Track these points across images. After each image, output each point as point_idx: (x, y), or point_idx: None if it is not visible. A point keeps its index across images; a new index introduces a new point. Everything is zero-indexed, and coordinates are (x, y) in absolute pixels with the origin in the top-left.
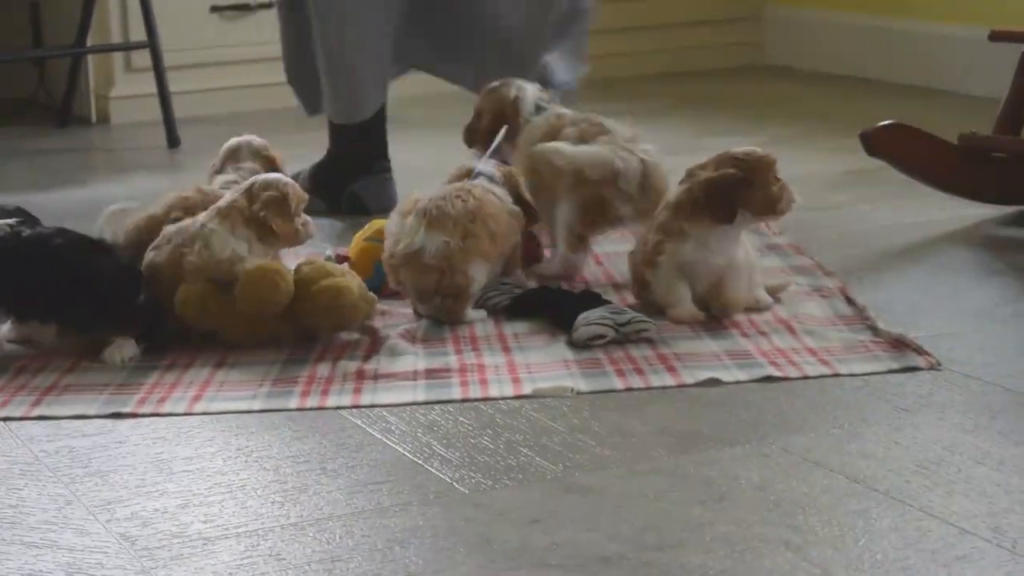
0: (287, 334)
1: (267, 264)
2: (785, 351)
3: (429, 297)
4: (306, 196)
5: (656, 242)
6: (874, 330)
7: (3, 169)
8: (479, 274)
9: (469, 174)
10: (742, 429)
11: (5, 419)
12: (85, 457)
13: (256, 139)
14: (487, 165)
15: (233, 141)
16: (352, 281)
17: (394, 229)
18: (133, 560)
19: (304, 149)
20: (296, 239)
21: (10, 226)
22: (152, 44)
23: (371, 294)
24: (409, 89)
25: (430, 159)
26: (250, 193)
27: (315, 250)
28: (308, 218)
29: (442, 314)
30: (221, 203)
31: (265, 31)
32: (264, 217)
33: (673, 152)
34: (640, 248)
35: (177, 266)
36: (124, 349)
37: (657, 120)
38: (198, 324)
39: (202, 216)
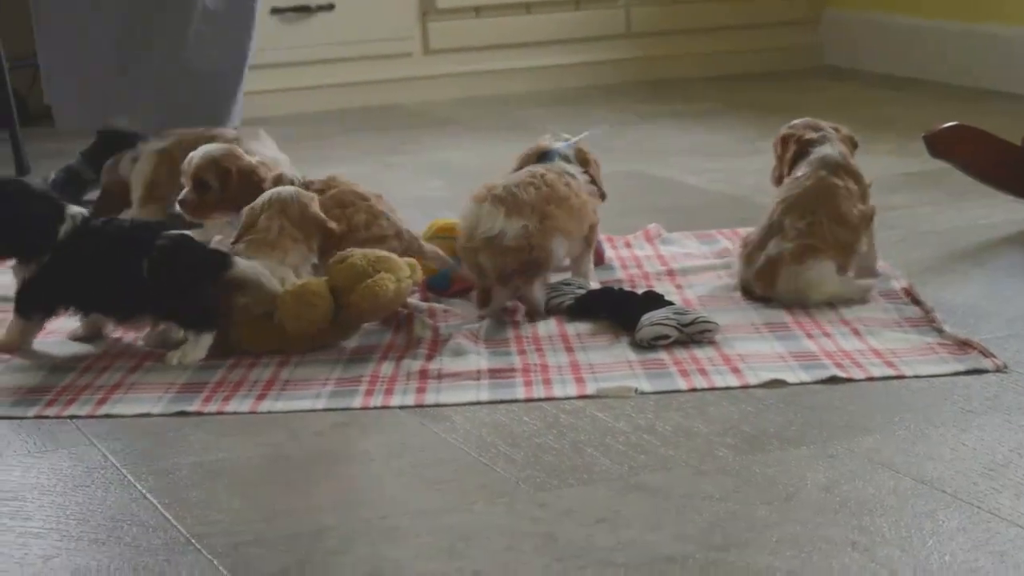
0: (346, 333)
1: (302, 286)
2: (850, 352)
3: (509, 278)
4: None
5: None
6: (940, 332)
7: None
8: (559, 248)
9: (543, 156)
10: (807, 430)
11: (72, 417)
12: (151, 455)
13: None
14: (562, 144)
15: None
16: (385, 275)
17: (469, 215)
18: (200, 557)
19: (357, 151)
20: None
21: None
22: None
23: (407, 272)
24: (459, 91)
25: (478, 159)
26: (288, 211)
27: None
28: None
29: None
30: (258, 237)
31: (324, 33)
32: (322, 222)
33: (733, 154)
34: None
35: (228, 303)
36: (194, 352)
37: (716, 122)
38: (260, 351)
39: (242, 253)
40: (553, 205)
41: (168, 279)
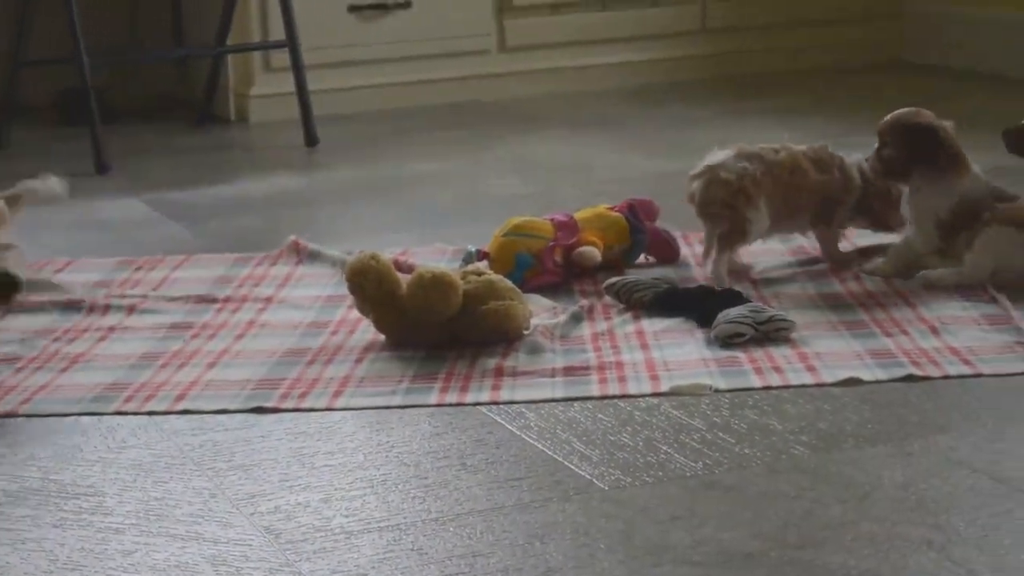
0: (439, 340)
1: (442, 273)
2: (927, 351)
3: (708, 207)
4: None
5: None
6: (1018, 330)
7: (144, 166)
8: (761, 209)
9: None
10: (884, 428)
11: (150, 413)
12: (228, 451)
13: None
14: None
15: None
16: (519, 305)
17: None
18: (277, 553)
19: (434, 148)
20: None
21: None
22: (291, 44)
23: (529, 310)
24: (536, 87)
25: (557, 155)
26: None
27: (457, 247)
28: None
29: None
30: None
31: (401, 31)
32: None
33: None
34: None
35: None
36: None
37: (795, 119)
38: (389, 335)
39: None
40: (784, 172)
41: None
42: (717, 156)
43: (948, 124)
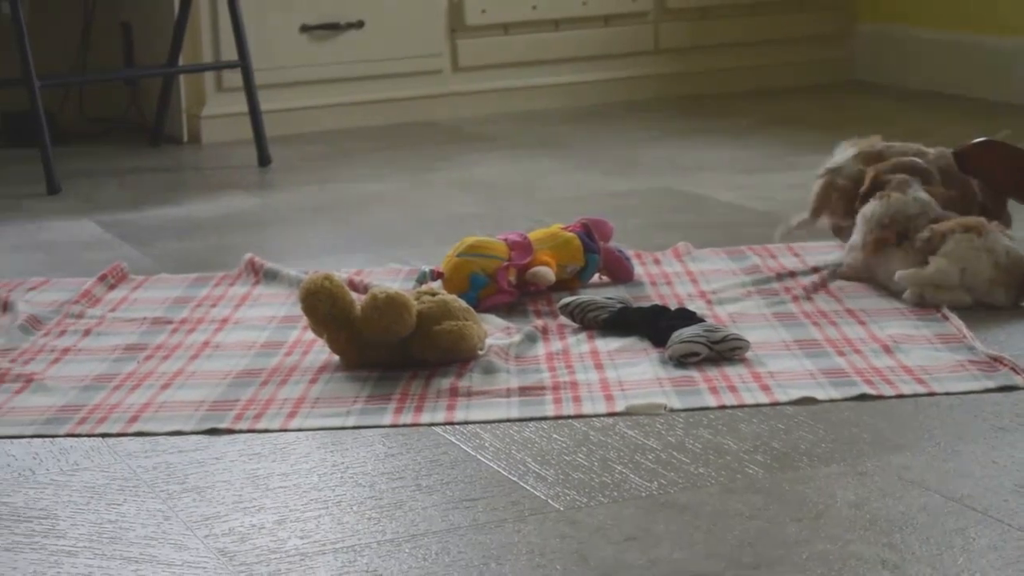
0: (393, 361)
1: (396, 294)
2: (880, 370)
3: (823, 209)
4: None
5: None
6: (971, 349)
7: (96, 188)
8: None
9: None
10: (837, 447)
11: (103, 435)
12: (182, 473)
13: None
14: None
15: None
16: (473, 325)
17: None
18: (231, 575)
19: (388, 168)
20: None
21: None
22: (243, 64)
23: (484, 330)
24: (488, 107)
25: (509, 175)
26: None
27: (412, 267)
28: None
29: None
30: None
31: (354, 51)
32: None
33: (764, 170)
34: None
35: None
36: None
37: (746, 138)
38: (323, 322)
39: None
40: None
41: None
42: (839, 157)
43: (910, 157)
